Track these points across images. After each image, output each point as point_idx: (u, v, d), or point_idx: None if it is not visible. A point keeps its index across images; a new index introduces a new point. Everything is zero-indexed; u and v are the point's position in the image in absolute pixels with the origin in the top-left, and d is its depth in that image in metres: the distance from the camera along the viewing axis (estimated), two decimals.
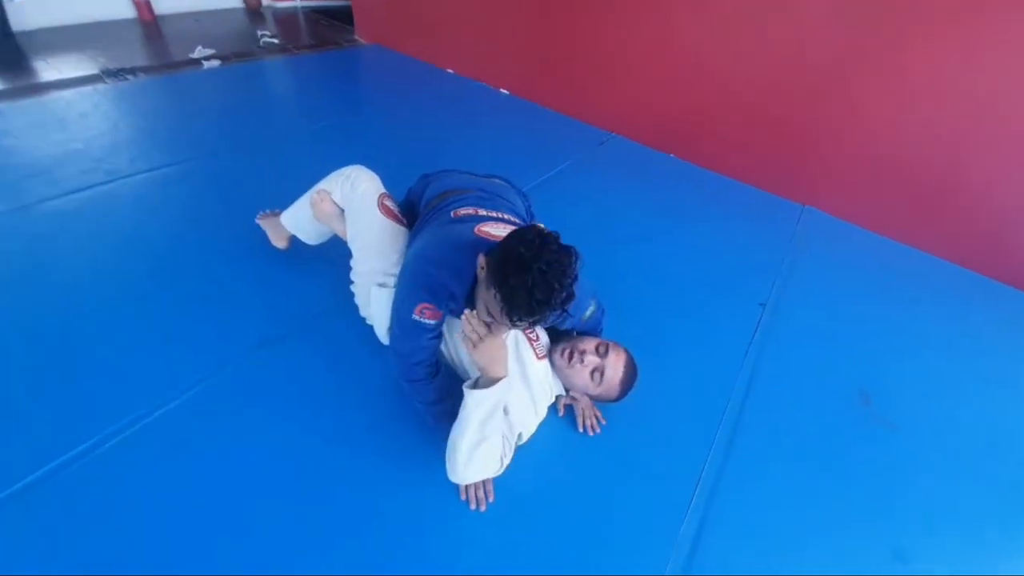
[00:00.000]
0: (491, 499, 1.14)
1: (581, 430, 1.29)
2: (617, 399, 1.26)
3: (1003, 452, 1.42)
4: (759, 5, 2.23)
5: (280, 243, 1.67)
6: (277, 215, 1.64)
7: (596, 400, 1.30)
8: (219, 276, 1.63)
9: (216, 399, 1.27)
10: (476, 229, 1.15)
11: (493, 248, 0.99)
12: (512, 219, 1.28)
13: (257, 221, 1.71)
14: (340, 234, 1.50)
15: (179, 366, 1.33)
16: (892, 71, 2.04)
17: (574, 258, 0.92)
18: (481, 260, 1.00)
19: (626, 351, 1.27)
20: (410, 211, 1.46)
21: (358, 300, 1.44)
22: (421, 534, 1.08)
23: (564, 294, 0.90)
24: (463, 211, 1.25)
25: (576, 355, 1.23)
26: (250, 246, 1.75)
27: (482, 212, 1.25)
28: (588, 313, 1.26)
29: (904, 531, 1.20)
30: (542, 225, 1.01)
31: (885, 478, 1.31)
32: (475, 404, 1.06)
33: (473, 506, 1.12)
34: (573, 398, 1.32)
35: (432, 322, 1.11)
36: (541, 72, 3.11)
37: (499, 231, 1.15)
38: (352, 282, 1.42)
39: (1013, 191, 1.97)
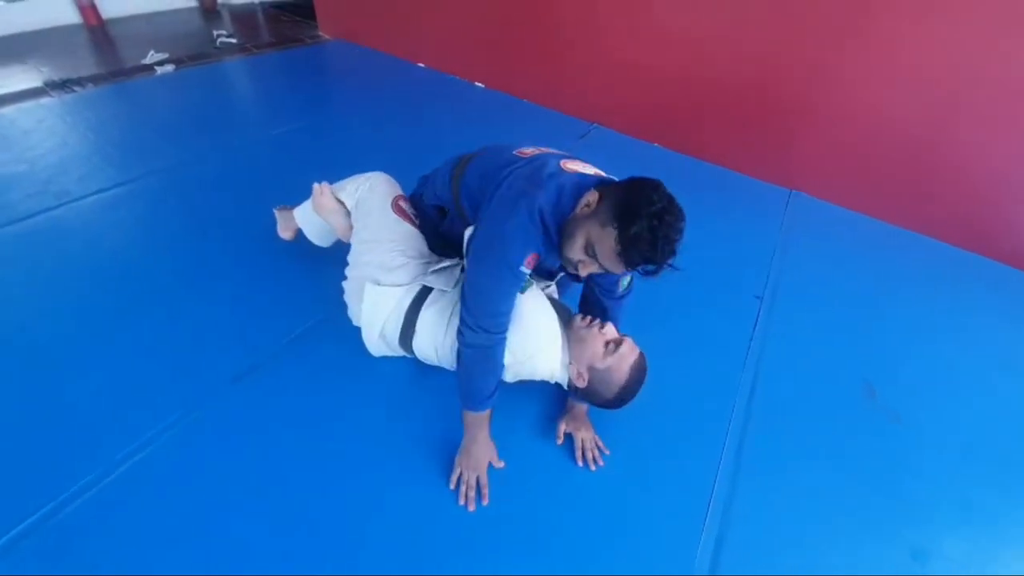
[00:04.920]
0: (484, 502, 1.10)
1: (581, 464, 1.20)
2: (618, 393, 1.14)
3: (1012, 441, 1.39)
4: None
5: (286, 234, 1.65)
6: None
7: (595, 391, 1.16)
8: (183, 304, 1.50)
9: (189, 443, 1.17)
10: (562, 164, 1.10)
11: (606, 186, 1.00)
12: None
13: (274, 209, 1.69)
14: (338, 231, 1.44)
15: (145, 409, 1.22)
16: (876, 43, 1.98)
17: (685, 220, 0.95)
18: (592, 196, 0.99)
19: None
20: (419, 215, 1.39)
21: (348, 298, 1.35)
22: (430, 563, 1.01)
23: (674, 249, 0.93)
24: (528, 150, 1.19)
25: (598, 322, 1.19)
26: (216, 267, 1.63)
27: (545, 150, 1.20)
28: (627, 281, 1.24)
29: (920, 529, 1.17)
30: None
31: (897, 474, 1.28)
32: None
33: (462, 501, 1.10)
34: (574, 427, 1.24)
35: (529, 271, 1.07)
36: (516, 62, 2.99)
37: (585, 168, 1.13)
38: (345, 278, 1.34)
39: (1004, 164, 1.94)
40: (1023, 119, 1.85)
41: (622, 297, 1.27)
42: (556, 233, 1.05)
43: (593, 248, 0.97)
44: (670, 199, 0.93)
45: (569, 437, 1.24)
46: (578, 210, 1.01)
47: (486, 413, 1.14)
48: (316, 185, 1.42)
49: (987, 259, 2.08)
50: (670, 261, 0.94)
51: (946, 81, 1.91)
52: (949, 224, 2.13)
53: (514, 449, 1.22)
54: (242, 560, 0.99)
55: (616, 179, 1.09)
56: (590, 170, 1.15)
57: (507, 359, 1.15)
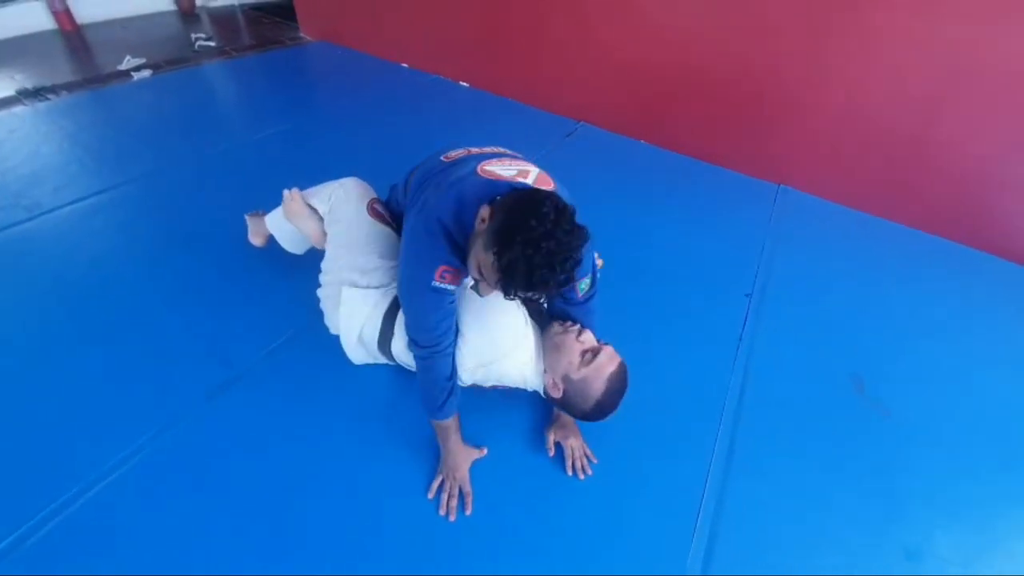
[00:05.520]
0: (467, 511, 1.08)
1: (571, 472, 1.17)
2: (594, 407, 1.09)
3: (1005, 435, 1.38)
4: None
5: (256, 240, 1.61)
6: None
7: (571, 403, 1.12)
8: (162, 316, 1.47)
9: (171, 457, 1.14)
10: (479, 169, 1.04)
11: (499, 200, 0.91)
12: (515, 154, 1.17)
13: (245, 216, 1.64)
14: (312, 237, 1.40)
15: (124, 425, 1.18)
16: (858, 33, 1.96)
17: (584, 241, 0.85)
18: (484, 212, 0.91)
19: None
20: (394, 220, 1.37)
21: (324, 306, 1.32)
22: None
23: (564, 277, 0.83)
24: (454, 153, 1.15)
25: (576, 329, 1.14)
26: (195, 277, 1.60)
27: (475, 150, 1.15)
28: (585, 283, 1.15)
29: (913, 527, 1.16)
30: (558, 195, 0.89)
31: (889, 471, 1.27)
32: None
33: (442, 511, 1.07)
34: (562, 436, 1.21)
35: (453, 287, 1.02)
36: (501, 62, 2.96)
37: (505, 170, 1.04)
38: (320, 285, 1.31)
39: (990, 155, 1.94)
40: (1009, 110, 1.84)
41: (586, 301, 1.17)
42: (466, 246, 0.97)
43: (481, 270, 0.90)
44: (556, 220, 0.81)
45: (559, 446, 1.22)
46: (476, 224, 0.93)
47: (450, 421, 1.12)
48: (286, 191, 1.39)
49: (976, 251, 2.08)
50: (561, 289, 0.85)
51: (933, 74, 1.90)
52: (938, 217, 2.13)
53: (503, 457, 1.20)
54: (229, 568, 0.97)
55: (529, 185, 1.01)
56: (513, 170, 1.05)
57: (470, 363, 1.14)
